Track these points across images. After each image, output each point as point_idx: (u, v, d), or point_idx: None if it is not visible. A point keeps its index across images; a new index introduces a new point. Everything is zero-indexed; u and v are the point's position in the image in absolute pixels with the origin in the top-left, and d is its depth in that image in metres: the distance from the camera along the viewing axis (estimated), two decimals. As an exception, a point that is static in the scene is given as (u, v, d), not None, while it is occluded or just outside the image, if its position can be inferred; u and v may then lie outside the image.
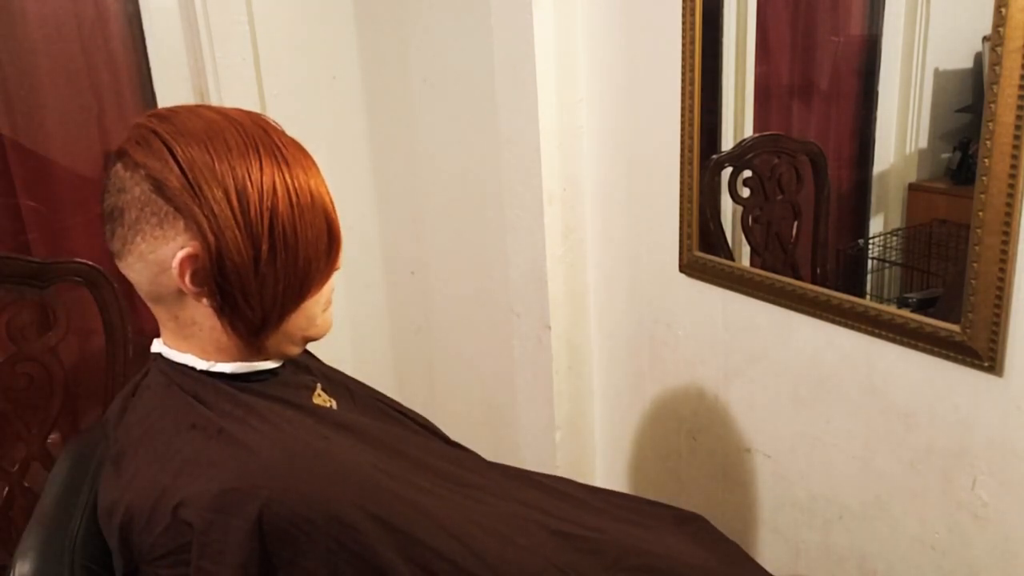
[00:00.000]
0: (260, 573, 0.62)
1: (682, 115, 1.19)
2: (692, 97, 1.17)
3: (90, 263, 1.36)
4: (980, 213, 0.86)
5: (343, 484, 0.66)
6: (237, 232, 0.67)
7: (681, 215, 1.24)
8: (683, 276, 1.27)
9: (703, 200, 1.21)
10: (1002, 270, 0.86)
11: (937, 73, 1.04)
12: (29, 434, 1.38)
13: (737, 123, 1.21)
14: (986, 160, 0.84)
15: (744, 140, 1.22)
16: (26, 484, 1.40)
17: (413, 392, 1.87)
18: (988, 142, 0.84)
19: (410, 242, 1.76)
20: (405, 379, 1.91)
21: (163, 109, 0.72)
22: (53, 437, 1.41)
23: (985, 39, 0.87)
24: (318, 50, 1.72)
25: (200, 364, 0.72)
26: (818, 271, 1.22)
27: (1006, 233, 0.85)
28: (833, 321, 1.06)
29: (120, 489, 0.68)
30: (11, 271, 1.33)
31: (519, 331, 1.52)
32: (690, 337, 1.31)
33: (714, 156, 1.20)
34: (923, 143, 1.07)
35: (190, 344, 0.73)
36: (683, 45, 1.16)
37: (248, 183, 0.67)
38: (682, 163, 1.21)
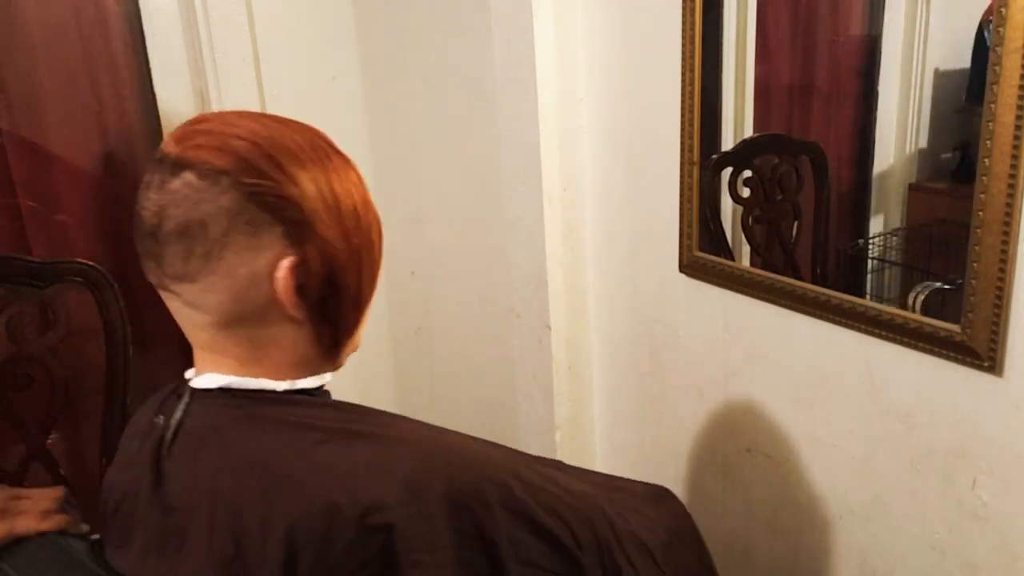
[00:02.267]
0: (465, 547, 0.62)
1: (682, 115, 1.19)
2: (692, 97, 1.17)
3: (90, 263, 1.36)
4: (980, 213, 0.86)
5: (483, 455, 0.68)
6: (336, 236, 0.65)
7: (681, 215, 1.24)
8: (683, 276, 1.27)
9: (703, 200, 1.21)
10: (1002, 270, 0.86)
11: (937, 73, 1.04)
12: (29, 434, 1.38)
13: (737, 123, 1.21)
14: (986, 160, 0.84)
15: (744, 140, 1.22)
16: (26, 484, 1.39)
17: (413, 392, 1.87)
18: (988, 142, 0.84)
19: (410, 242, 1.76)
20: (405, 379, 1.91)
21: (207, 115, 0.67)
22: (53, 437, 1.41)
23: (985, 39, 0.87)
24: (318, 50, 1.72)
25: (280, 385, 0.68)
26: (818, 271, 1.22)
27: (1006, 233, 0.85)
28: (833, 321, 1.06)
29: (256, 533, 0.61)
30: (11, 271, 1.33)
31: (519, 331, 1.52)
32: (690, 337, 1.31)
33: (714, 156, 1.20)
34: (923, 143, 1.07)
35: (261, 367, 0.67)
36: (683, 45, 1.16)
37: (334, 184, 0.66)
38: (682, 163, 1.21)
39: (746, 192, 1.22)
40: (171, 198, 0.62)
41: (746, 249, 1.23)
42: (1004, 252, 0.85)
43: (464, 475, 0.64)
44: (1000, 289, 0.87)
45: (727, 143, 1.21)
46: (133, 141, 1.71)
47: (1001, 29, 0.81)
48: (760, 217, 1.22)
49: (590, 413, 1.55)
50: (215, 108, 1.64)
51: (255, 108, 1.67)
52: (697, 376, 1.31)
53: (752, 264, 1.22)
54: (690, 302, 1.28)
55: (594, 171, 1.40)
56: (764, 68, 1.19)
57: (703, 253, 1.23)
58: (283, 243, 0.64)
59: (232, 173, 0.62)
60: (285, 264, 0.64)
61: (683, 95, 1.18)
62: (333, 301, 0.67)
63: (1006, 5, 0.80)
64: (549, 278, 1.42)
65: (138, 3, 1.61)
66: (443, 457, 0.65)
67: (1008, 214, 0.84)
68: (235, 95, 1.64)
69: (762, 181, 1.21)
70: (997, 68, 0.82)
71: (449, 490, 0.62)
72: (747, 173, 1.21)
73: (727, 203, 1.22)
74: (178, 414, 0.67)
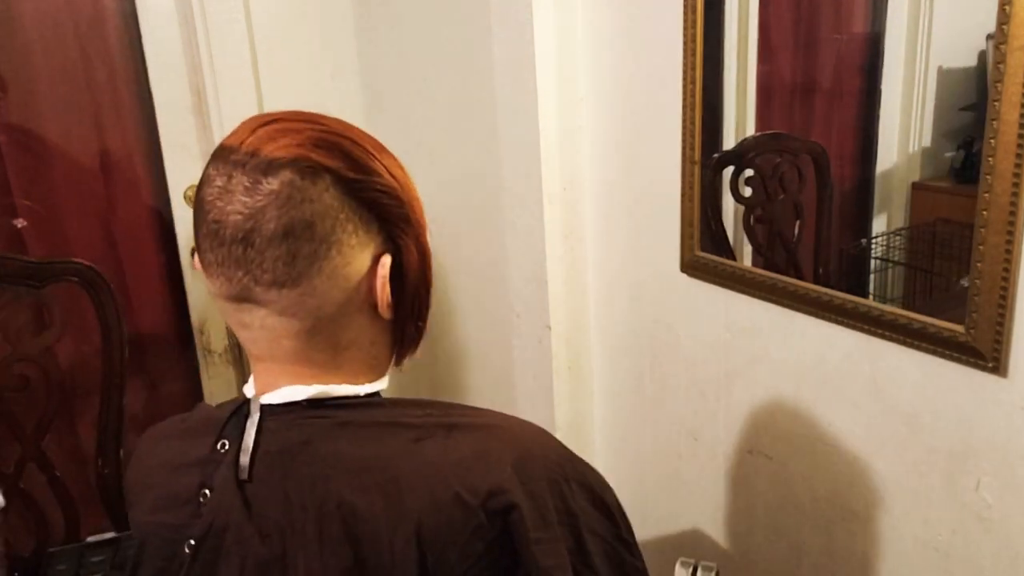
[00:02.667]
0: (562, 522, 0.63)
1: (683, 114, 1.19)
2: (693, 96, 1.16)
3: (87, 263, 1.36)
4: (984, 212, 0.86)
5: (552, 437, 0.70)
6: (424, 225, 0.66)
7: (682, 214, 1.23)
8: (684, 276, 1.27)
9: (704, 199, 1.20)
10: (1006, 270, 0.85)
11: (941, 71, 1.03)
12: (24, 435, 1.37)
13: (739, 122, 1.20)
14: (990, 159, 0.84)
15: (746, 139, 1.21)
16: (21, 486, 1.39)
17: (413, 392, 1.87)
18: (992, 141, 0.83)
19: (409, 242, 1.76)
20: (405, 379, 1.90)
21: (271, 114, 0.64)
22: (48, 438, 1.41)
23: (989, 37, 0.86)
24: (317, 50, 1.72)
25: (360, 389, 0.67)
26: (820, 271, 1.21)
27: (1010, 232, 0.84)
28: (835, 321, 1.05)
29: (379, 531, 0.61)
30: (7, 271, 1.33)
31: (519, 331, 1.52)
32: (691, 337, 1.30)
33: (716, 155, 1.19)
34: (926, 142, 1.06)
35: (340, 373, 0.66)
36: (684, 44, 1.16)
37: (407, 178, 0.66)
38: (683, 162, 1.21)
39: (748, 191, 1.21)
40: (269, 200, 0.59)
41: (748, 249, 1.22)
42: (1008, 252, 0.85)
43: (551, 455, 0.66)
44: (1004, 289, 0.86)
45: (728, 142, 1.20)
46: (129, 140, 1.70)
47: (1005, 27, 0.81)
48: (762, 216, 1.22)
49: (590, 413, 1.55)
50: (212, 107, 1.64)
51: (253, 107, 1.66)
52: (698, 376, 1.30)
53: (754, 264, 1.21)
54: (691, 302, 1.28)
55: (594, 171, 1.39)
56: (766, 66, 1.19)
57: (704, 253, 1.22)
58: (380, 238, 0.64)
59: (333, 169, 0.60)
60: (387, 260, 0.64)
61: (684, 94, 1.18)
62: (423, 293, 0.68)
63: (1010, 3, 0.80)
64: (549, 278, 1.41)
65: (135, 2, 1.61)
66: (534, 440, 0.67)
67: (1012, 213, 0.84)
68: (233, 94, 1.63)
69: (764, 180, 1.20)
70: (1001, 66, 0.81)
71: (546, 471, 0.64)
72: (749, 172, 1.20)
73: (729, 202, 1.21)
74: (251, 435, 0.64)
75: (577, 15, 1.32)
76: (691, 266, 1.25)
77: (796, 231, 1.22)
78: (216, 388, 1.79)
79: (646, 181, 1.30)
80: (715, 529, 1.35)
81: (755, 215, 1.21)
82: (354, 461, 0.62)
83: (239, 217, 0.59)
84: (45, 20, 1.58)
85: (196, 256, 0.66)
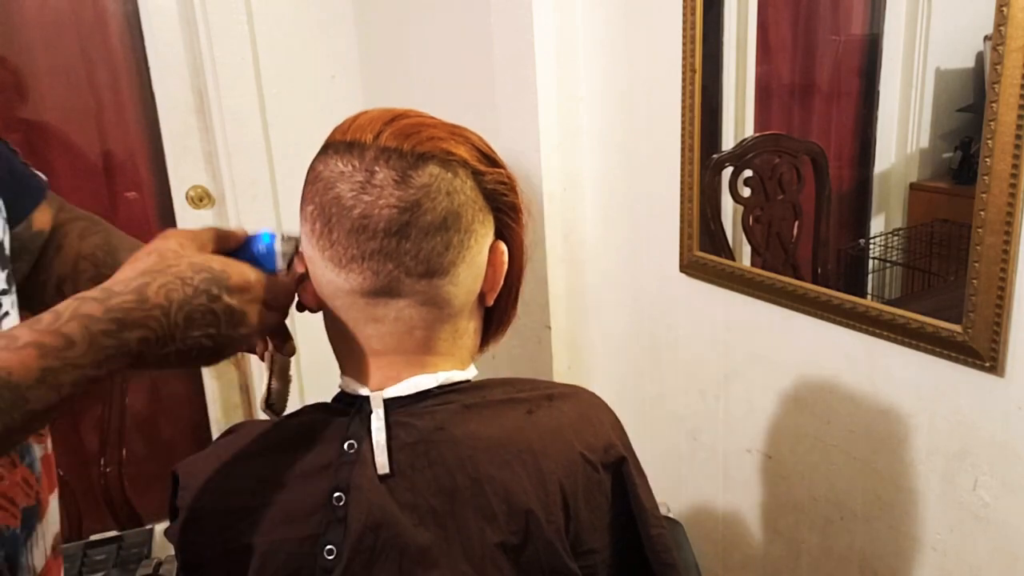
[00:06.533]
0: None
1: (682, 114, 1.19)
2: (692, 96, 1.17)
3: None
4: (981, 213, 0.86)
5: None
6: (524, 218, 0.68)
7: (681, 215, 1.24)
8: (683, 276, 1.27)
9: (703, 200, 1.21)
10: (1003, 270, 0.86)
11: (938, 72, 1.03)
12: (28, 434, 1.37)
13: (738, 122, 1.21)
14: (987, 159, 0.84)
15: (745, 139, 1.22)
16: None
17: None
18: (989, 141, 0.84)
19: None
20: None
21: (398, 110, 0.65)
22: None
23: (987, 38, 0.87)
24: (318, 50, 1.72)
25: (469, 374, 0.69)
26: (819, 271, 1.22)
27: (1007, 233, 0.85)
28: (834, 321, 1.06)
29: (526, 495, 0.64)
30: (10, 271, 1.33)
31: (519, 331, 1.52)
32: (690, 337, 1.30)
33: (715, 155, 1.20)
34: (924, 143, 1.07)
35: (454, 360, 0.68)
36: (683, 44, 1.16)
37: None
38: (682, 163, 1.21)
39: (747, 192, 1.22)
40: (422, 192, 0.61)
41: (746, 249, 1.23)
42: (1005, 252, 0.85)
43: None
44: (1002, 289, 0.86)
45: (727, 143, 1.21)
46: (132, 140, 1.71)
47: (1003, 28, 0.81)
48: (760, 217, 1.22)
49: (590, 413, 1.55)
50: (214, 107, 1.64)
51: (255, 107, 1.66)
52: (697, 376, 1.31)
53: (752, 264, 1.21)
54: (690, 302, 1.28)
55: (594, 171, 1.40)
56: (765, 67, 1.19)
57: (703, 253, 1.22)
58: (493, 227, 0.66)
59: (468, 162, 0.64)
60: (504, 248, 0.67)
61: (683, 95, 1.18)
62: (519, 280, 0.70)
63: (1008, 4, 0.80)
64: (549, 278, 1.41)
65: (137, 2, 1.61)
66: (604, 403, 0.75)
67: (1010, 214, 0.84)
68: (234, 94, 1.64)
69: (763, 181, 1.21)
70: (998, 67, 0.82)
71: (621, 426, 0.73)
72: (747, 173, 1.21)
73: (728, 203, 1.22)
74: (382, 430, 0.64)
75: (577, 15, 1.33)
76: (690, 266, 1.25)
77: (795, 231, 1.22)
78: (218, 388, 1.80)
79: (646, 181, 1.31)
80: (714, 528, 1.35)
81: (754, 215, 1.22)
82: (489, 439, 0.65)
83: (393, 210, 0.60)
84: (47, 21, 1.58)
85: (298, 259, 0.66)
